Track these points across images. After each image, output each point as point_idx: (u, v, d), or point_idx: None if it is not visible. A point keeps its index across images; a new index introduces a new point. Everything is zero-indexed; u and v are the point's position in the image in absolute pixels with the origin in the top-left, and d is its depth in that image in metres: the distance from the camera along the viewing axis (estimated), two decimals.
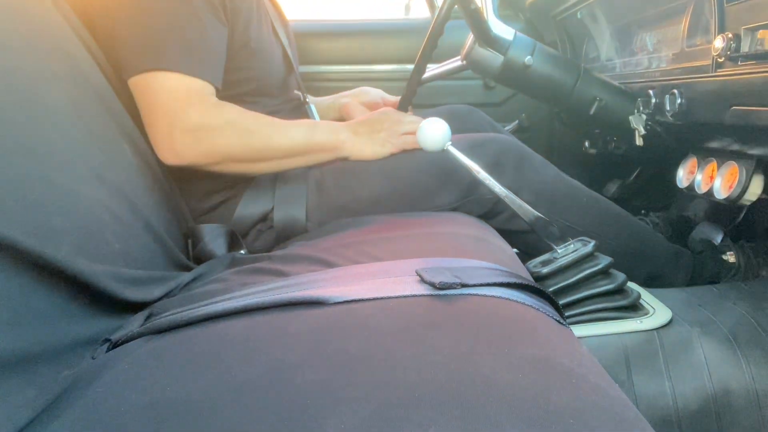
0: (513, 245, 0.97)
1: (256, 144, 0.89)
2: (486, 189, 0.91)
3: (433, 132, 0.86)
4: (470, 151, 0.91)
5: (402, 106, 1.19)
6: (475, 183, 0.92)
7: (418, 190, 0.94)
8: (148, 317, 0.61)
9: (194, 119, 0.84)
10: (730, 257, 1.03)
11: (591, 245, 0.81)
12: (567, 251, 0.82)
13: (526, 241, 0.97)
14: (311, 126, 0.95)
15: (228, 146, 0.87)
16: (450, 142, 0.86)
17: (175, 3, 0.83)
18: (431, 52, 1.17)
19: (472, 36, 1.18)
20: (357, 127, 0.97)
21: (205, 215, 0.98)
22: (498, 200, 0.93)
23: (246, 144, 0.89)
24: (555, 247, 0.83)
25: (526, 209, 0.84)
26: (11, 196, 0.50)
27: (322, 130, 0.95)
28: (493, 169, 0.91)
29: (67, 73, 0.71)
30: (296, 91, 1.13)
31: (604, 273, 0.81)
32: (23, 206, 0.51)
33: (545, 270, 0.80)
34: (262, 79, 1.02)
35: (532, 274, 0.81)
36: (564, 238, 0.84)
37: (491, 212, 0.95)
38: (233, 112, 0.89)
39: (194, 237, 0.92)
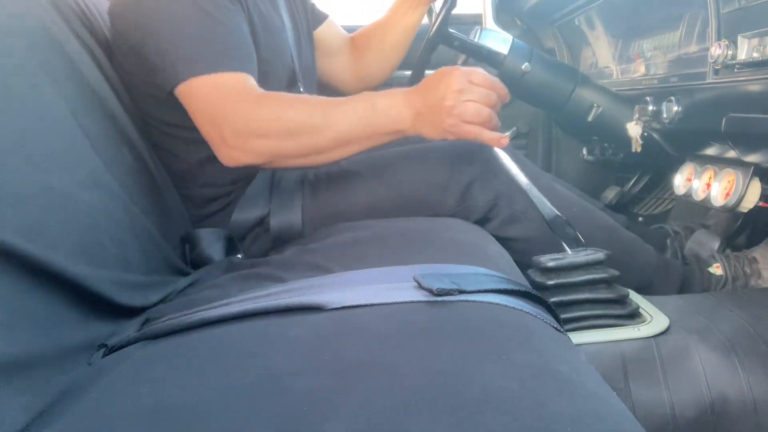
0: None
1: (307, 140, 0.82)
2: (481, 195, 0.91)
3: None
4: (461, 156, 0.92)
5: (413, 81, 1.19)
6: (470, 189, 0.92)
7: (413, 197, 0.93)
8: (145, 322, 0.61)
9: (239, 119, 0.80)
10: (716, 270, 1.03)
11: (603, 253, 0.80)
12: (578, 254, 0.81)
13: (517, 249, 0.96)
14: (369, 106, 0.83)
15: (278, 145, 0.82)
16: None
17: (197, 5, 0.81)
18: (428, 61, 1.18)
19: (474, 33, 1.19)
20: (419, 101, 0.83)
21: (203, 221, 0.98)
22: (492, 207, 0.93)
23: (296, 141, 0.81)
24: (568, 248, 0.83)
25: (546, 206, 0.83)
26: (8, 199, 0.50)
27: (382, 110, 0.83)
28: (484, 174, 0.91)
29: (65, 76, 0.71)
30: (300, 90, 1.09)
31: (608, 282, 0.80)
32: (20, 210, 0.51)
33: (552, 263, 0.79)
34: (268, 84, 1.00)
35: (537, 264, 0.81)
36: (579, 242, 0.83)
37: (484, 218, 0.95)
38: (276, 104, 0.82)
39: (192, 241, 0.92)
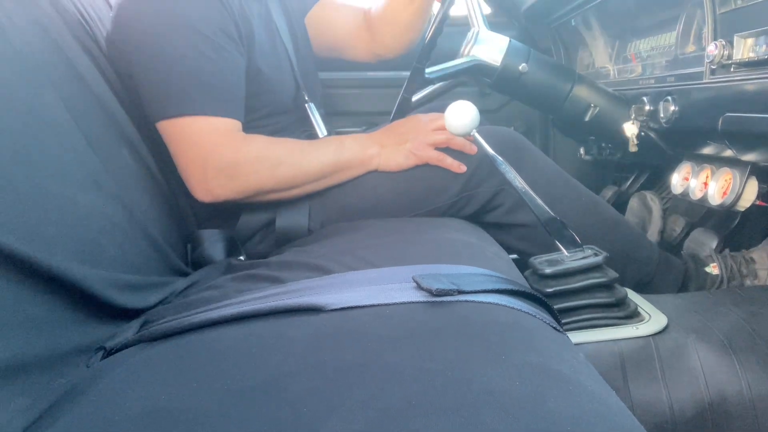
0: (509, 247, 0.97)
1: (287, 173, 0.90)
2: (486, 181, 0.91)
3: (463, 115, 0.83)
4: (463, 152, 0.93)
5: (398, 115, 1.19)
6: (475, 179, 0.93)
7: (419, 188, 0.94)
8: (143, 324, 0.61)
9: (225, 159, 0.86)
10: (713, 269, 1.03)
11: (602, 257, 0.79)
12: (576, 257, 0.80)
13: (524, 236, 0.96)
14: (338, 144, 0.94)
15: (260, 180, 0.88)
16: (475, 129, 0.84)
17: (192, 43, 0.83)
18: (426, 61, 1.17)
19: (470, 36, 1.19)
20: (384, 138, 0.96)
21: (210, 220, 0.98)
22: (495, 195, 0.93)
23: (277, 175, 0.89)
24: (565, 250, 0.82)
25: (541, 208, 0.82)
26: (5, 202, 0.50)
27: (349, 147, 0.94)
28: (489, 162, 0.91)
29: (64, 77, 0.70)
30: (306, 98, 1.10)
31: (607, 286, 0.80)
32: (18, 213, 0.50)
33: (549, 270, 0.79)
34: (275, 102, 1.02)
35: (535, 270, 0.81)
36: (576, 243, 0.82)
37: (491, 206, 0.95)
38: (261, 145, 0.90)
39: (194, 242, 0.92)
